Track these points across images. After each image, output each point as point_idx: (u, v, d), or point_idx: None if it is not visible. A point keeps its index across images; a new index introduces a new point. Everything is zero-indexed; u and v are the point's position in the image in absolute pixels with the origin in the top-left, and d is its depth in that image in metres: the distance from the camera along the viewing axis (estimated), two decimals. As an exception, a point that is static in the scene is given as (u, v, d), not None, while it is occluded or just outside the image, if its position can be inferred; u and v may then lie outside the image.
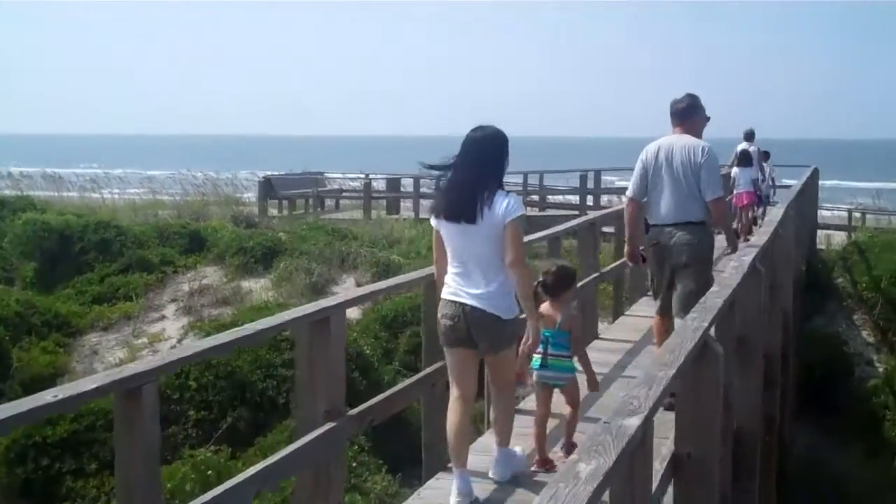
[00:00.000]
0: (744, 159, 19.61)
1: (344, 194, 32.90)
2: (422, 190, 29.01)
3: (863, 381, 14.70)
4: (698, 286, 7.54)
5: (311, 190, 30.45)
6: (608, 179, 31.39)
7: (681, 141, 7.94)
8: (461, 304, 5.85)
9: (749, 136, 21.07)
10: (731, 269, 6.71)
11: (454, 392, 6.06)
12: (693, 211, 7.88)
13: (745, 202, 19.20)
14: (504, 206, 5.74)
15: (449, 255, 5.97)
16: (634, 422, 3.27)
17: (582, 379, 6.77)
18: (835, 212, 30.60)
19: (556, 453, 6.70)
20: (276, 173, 34.85)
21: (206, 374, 11.46)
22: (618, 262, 12.73)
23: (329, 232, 21.13)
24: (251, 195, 31.99)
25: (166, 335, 16.70)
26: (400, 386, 6.68)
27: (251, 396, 11.59)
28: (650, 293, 8.92)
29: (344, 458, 6.52)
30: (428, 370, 6.59)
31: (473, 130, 5.96)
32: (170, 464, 9.54)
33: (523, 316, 6.06)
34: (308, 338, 5.59)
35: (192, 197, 31.22)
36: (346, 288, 18.21)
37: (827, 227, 26.20)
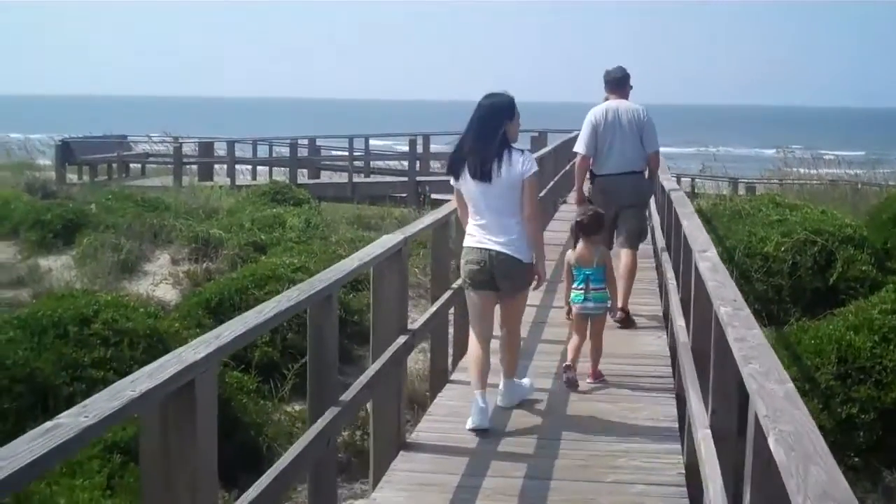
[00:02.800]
0: None
1: (151, 159, 30.60)
2: (237, 154, 27.20)
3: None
4: (639, 222, 9.75)
5: (114, 154, 28.05)
6: (437, 148, 29.97)
7: (623, 105, 9.53)
8: (487, 250, 6.58)
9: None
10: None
11: (476, 329, 6.90)
12: (637, 162, 9.50)
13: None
14: (521, 165, 6.51)
15: (471, 209, 6.67)
16: None
17: None
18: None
19: (586, 382, 7.76)
20: (75, 136, 32.15)
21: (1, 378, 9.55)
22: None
23: (138, 202, 19.10)
24: (48, 161, 29.33)
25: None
26: (287, 459, 4.56)
27: (55, 404, 9.73)
28: None
29: None
30: (321, 424, 4.79)
31: (486, 97, 6.65)
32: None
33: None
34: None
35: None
36: (161, 266, 16.38)
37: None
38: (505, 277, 6.63)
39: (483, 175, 6.48)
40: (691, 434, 5.47)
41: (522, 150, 6.73)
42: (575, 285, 7.72)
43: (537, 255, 6.76)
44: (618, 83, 9.67)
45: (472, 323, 6.99)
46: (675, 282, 8.18)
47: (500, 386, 7.09)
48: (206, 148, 30.38)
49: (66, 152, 27.49)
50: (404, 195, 26.09)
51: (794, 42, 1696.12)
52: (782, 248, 14.35)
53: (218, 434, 3.62)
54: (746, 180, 30.75)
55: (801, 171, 30.98)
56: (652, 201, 12.06)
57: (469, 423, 6.66)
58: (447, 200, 23.91)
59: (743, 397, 3.42)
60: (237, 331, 3.72)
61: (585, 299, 7.67)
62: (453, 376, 7.90)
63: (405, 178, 27.48)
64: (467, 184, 6.60)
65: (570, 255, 7.82)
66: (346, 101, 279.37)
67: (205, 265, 15.74)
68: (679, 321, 6.70)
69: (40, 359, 9.97)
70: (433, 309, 7.38)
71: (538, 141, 26.96)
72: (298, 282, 13.15)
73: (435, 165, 29.94)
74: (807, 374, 10.06)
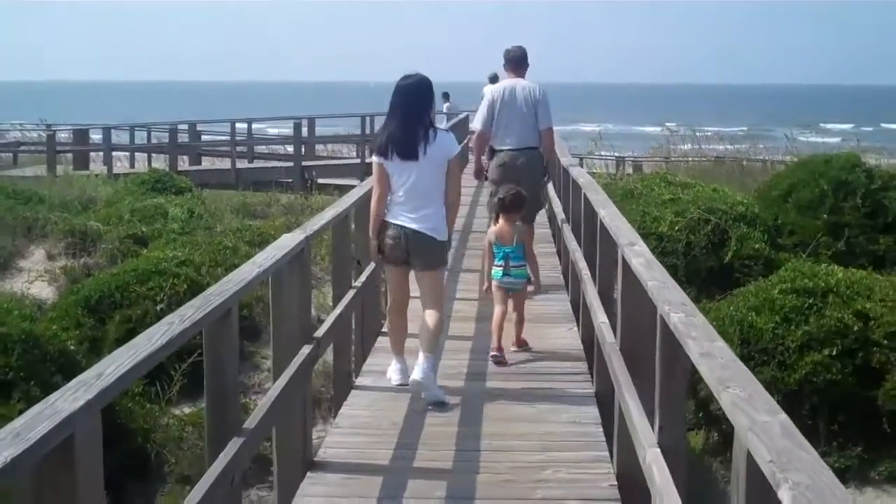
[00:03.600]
0: None
1: (22, 148, 29.18)
2: (114, 141, 26.09)
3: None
4: (536, 196, 9.89)
5: (-20, 143, 26.69)
6: (323, 131, 29.24)
7: (520, 83, 9.86)
8: (403, 227, 6.79)
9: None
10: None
11: (392, 301, 7.26)
12: (532, 138, 9.79)
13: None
14: (446, 146, 6.81)
15: (392, 186, 6.81)
16: None
17: None
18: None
19: (511, 350, 8.09)
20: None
21: None
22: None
23: (10, 194, 18.00)
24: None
25: None
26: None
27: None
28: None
29: None
30: (223, 461, 4.06)
31: (403, 79, 6.84)
32: None
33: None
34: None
35: None
36: (36, 262, 15.46)
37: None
38: (418, 254, 6.85)
39: (409, 154, 6.70)
40: (621, 441, 5.11)
41: (447, 131, 7.16)
42: (495, 262, 8.08)
43: (451, 231, 7.09)
44: (517, 62, 10.05)
45: (389, 293, 7.35)
46: (588, 272, 7.80)
47: (420, 359, 6.87)
48: (81, 135, 29.07)
49: (-73, 141, 26.11)
50: (290, 181, 25.37)
51: (674, 22, 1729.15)
52: (676, 228, 14.27)
53: (103, 441, 3.02)
54: (633, 158, 30.77)
55: (685, 147, 31.17)
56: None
57: (392, 381, 7.16)
58: (334, 185, 23.47)
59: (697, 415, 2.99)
60: (124, 366, 3.07)
61: (505, 274, 8.07)
62: (358, 381, 7.44)
63: (291, 164, 26.74)
64: (392, 163, 6.78)
65: (491, 232, 8.15)
66: (215, 84, 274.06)
67: (83, 260, 14.94)
68: (601, 318, 6.28)
69: None
70: (337, 311, 6.88)
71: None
72: (183, 276, 12.73)
73: (321, 149, 29.24)
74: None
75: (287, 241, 5.67)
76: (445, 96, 26.85)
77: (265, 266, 4.89)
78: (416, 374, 6.79)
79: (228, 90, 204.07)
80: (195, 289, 12.39)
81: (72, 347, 10.48)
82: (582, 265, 7.99)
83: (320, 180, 25.89)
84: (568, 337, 8.62)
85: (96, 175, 23.45)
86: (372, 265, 7.92)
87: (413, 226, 6.77)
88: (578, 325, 8.59)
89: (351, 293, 7.38)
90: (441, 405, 6.78)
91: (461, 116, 26.57)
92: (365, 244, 7.74)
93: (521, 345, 8.23)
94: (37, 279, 14.59)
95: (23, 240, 15.92)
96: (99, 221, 16.30)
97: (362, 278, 7.89)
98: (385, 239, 6.89)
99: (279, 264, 5.20)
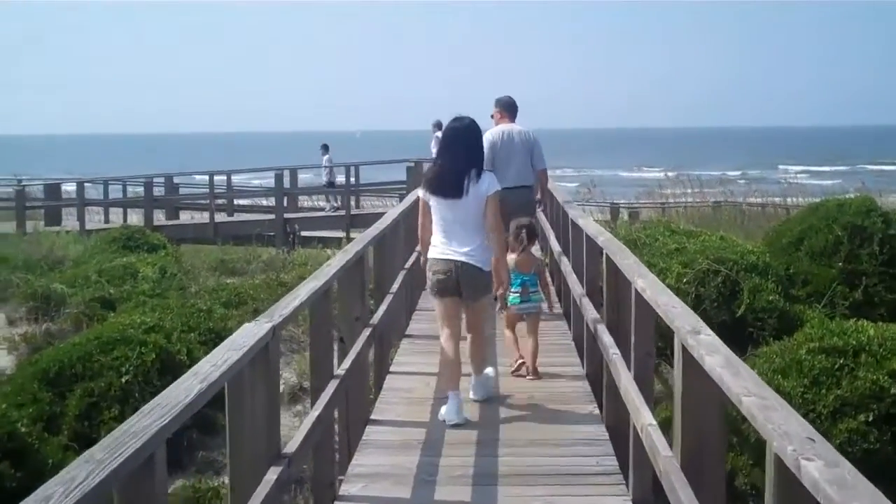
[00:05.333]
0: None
1: (-10, 204, 28.12)
2: (87, 196, 25.00)
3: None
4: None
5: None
6: (306, 178, 28.21)
7: (515, 128, 10.83)
8: (452, 260, 7.18)
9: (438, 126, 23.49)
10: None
11: (446, 332, 7.36)
12: (528, 177, 10.68)
13: None
14: (486, 184, 7.20)
15: (437, 222, 7.27)
16: None
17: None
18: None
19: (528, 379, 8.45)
20: None
21: None
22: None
23: (-31, 254, 16.93)
24: None
25: None
26: None
27: None
28: None
29: None
30: None
31: (453, 121, 7.40)
32: None
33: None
34: None
35: None
36: (-4, 327, 14.35)
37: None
38: (468, 285, 7.25)
39: (455, 193, 7.14)
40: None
41: (489, 171, 7.60)
42: (512, 289, 8.39)
43: (500, 263, 7.43)
44: (510, 108, 11.04)
45: (441, 326, 7.44)
46: (618, 354, 6.48)
47: (472, 381, 7.71)
48: (53, 190, 28.04)
49: None
50: (272, 234, 24.27)
51: (650, 67, 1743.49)
52: (684, 280, 13.32)
53: None
54: (629, 204, 29.87)
55: (675, 191, 30.40)
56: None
57: (447, 419, 7.15)
58: (319, 238, 22.38)
59: None
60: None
61: (523, 301, 8.66)
62: (343, 490, 5.93)
63: (272, 216, 25.66)
64: (438, 200, 7.23)
65: (511, 260, 8.26)
66: (199, 135, 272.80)
67: (45, 326, 13.84)
68: (646, 417, 4.97)
69: None
70: (315, 414, 5.50)
71: (415, 171, 25.50)
72: (152, 344, 11.62)
73: (304, 201, 28.20)
74: (736, 424, 8.90)
75: (247, 337, 4.29)
76: (438, 126, 26.43)
77: (211, 378, 3.58)
78: (473, 395, 7.70)
79: (208, 141, 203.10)
80: (165, 357, 11.35)
81: (23, 429, 9.35)
82: (607, 341, 6.65)
83: (304, 233, 24.89)
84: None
85: (67, 231, 22.38)
86: (359, 344, 6.80)
87: (461, 259, 7.19)
88: (601, 410, 7.40)
89: (333, 385, 6.07)
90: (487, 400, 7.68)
91: None
92: (350, 321, 6.79)
93: (535, 374, 8.52)
94: (-5, 347, 13.50)
95: (-19, 304, 14.84)
96: (65, 283, 15.23)
97: (347, 363, 6.66)
98: (435, 275, 7.28)
99: (237, 368, 3.91)
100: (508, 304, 8.67)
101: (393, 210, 10.62)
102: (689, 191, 30.19)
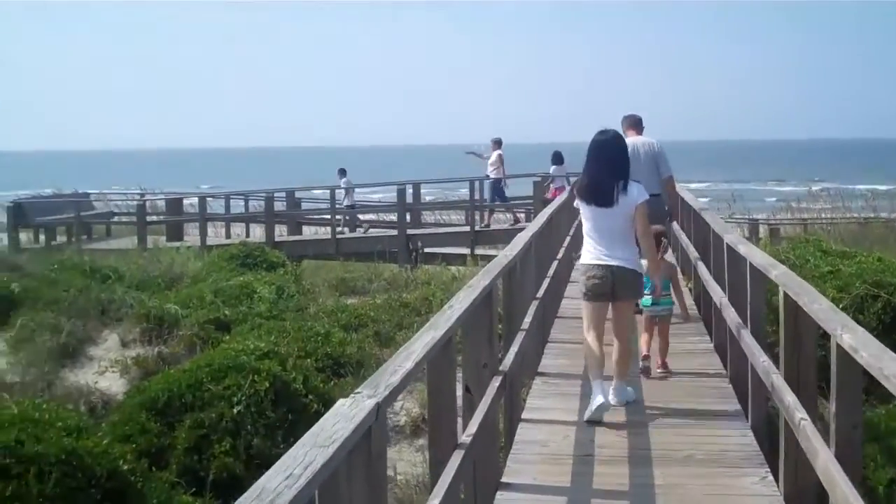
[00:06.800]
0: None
1: (116, 218, 28.02)
2: (209, 211, 24.67)
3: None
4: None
5: (72, 215, 25.43)
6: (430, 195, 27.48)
7: (639, 139, 11.29)
8: (607, 265, 7.61)
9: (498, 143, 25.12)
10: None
11: (592, 333, 7.71)
12: (655, 186, 10.69)
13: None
14: (635, 193, 7.67)
15: (590, 229, 7.77)
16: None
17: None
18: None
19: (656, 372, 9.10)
20: (25, 195, 29.59)
21: None
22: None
23: (86, 272, 16.53)
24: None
25: None
26: None
27: None
28: None
29: None
30: None
31: (599, 133, 7.89)
32: None
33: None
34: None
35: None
36: (108, 349, 13.89)
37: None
38: (622, 287, 7.62)
39: (605, 202, 7.58)
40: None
41: (636, 182, 7.81)
42: (646, 292, 8.70)
43: (653, 267, 8.21)
44: (636, 123, 11.68)
45: (587, 328, 7.75)
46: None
47: (613, 384, 7.86)
48: (175, 204, 27.81)
49: (19, 214, 25.05)
50: (395, 250, 23.53)
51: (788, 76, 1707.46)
52: (840, 306, 12.05)
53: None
54: (766, 221, 28.32)
55: (815, 205, 28.80)
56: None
57: (588, 413, 7.47)
58: (443, 255, 21.59)
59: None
60: None
61: (654, 303, 9.07)
62: None
63: (395, 232, 24.92)
64: (590, 208, 7.69)
65: (644, 265, 8.21)
66: (320, 149, 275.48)
67: (157, 349, 13.29)
68: (823, 452, 4.02)
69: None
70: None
71: (540, 186, 24.52)
72: (265, 372, 10.91)
73: (427, 217, 27.41)
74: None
75: (340, 423, 3.17)
76: (497, 143, 25.61)
77: (284, 499, 2.50)
78: (612, 398, 7.73)
79: (318, 154, 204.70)
80: (279, 386, 10.66)
81: (125, 467, 8.65)
82: (790, 401, 5.27)
83: (427, 250, 24.09)
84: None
85: (188, 247, 22.00)
86: (487, 400, 5.69)
87: (615, 263, 7.56)
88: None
89: (457, 458, 4.84)
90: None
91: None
92: (476, 368, 5.78)
93: (665, 367, 9.09)
94: (107, 370, 13.01)
95: (96, 324, 14.39)
96: (180, 302, 14.71)
97: (473, 427, 5.36)
98: (590, 280, 7.64)
99: (324, 474, 2.86)
100: (641, 307, 9.03)
101: (523, 234, 9.53)
102: (830, 206, 28.52)
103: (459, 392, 5.63)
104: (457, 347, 5.49)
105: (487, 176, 25.09)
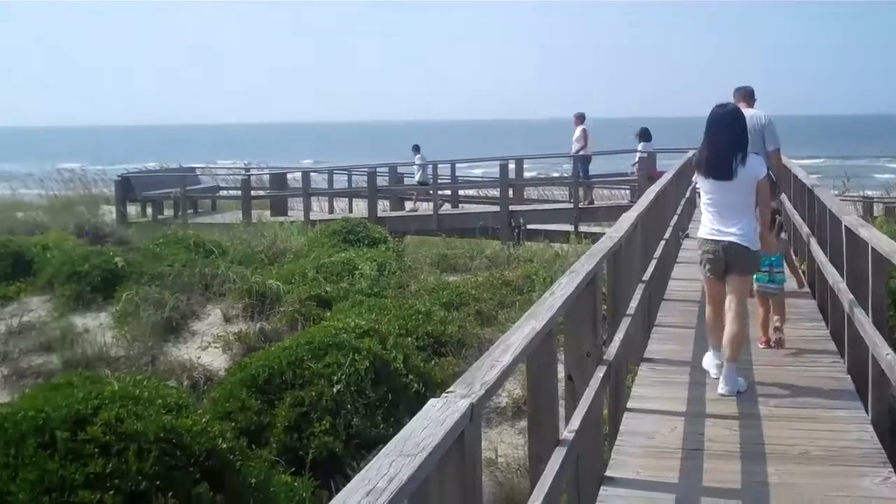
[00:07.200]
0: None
1: (221, 192, 28.25)
2: (313, 186, 24.68)
3: None
4: None
5: (178, 189, 25.71)
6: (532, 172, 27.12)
7: (748, 112, 10.23)
8: (720, 241, 7.72)
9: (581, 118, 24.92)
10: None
11: (710, 307, 8.07)
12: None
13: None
14: (756, 166, 7.80)
15: (706, 202, 7.87)
16: None
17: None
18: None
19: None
20: (134, 169, 29.96)
21: None
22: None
23: (190, 246, 16.63)
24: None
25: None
26: None
27: None
28: None
29: None
30: None
31: (718, 107, 7.95)
32: None
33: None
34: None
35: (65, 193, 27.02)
36: (211, 324, 13.96)
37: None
38: (736, 263, 7.69)
39: (723, 175, 7.64)
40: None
41: (756, 154, 8.15)
42: (762, 268, 8.77)
43: (766, 232, 8.05)
44: (748, 95, 11.44)
45: (707, 297, 8.11)
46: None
47: (724, 368, 7.75)
48: (279, 179, 27.92)
49: (127, 188, 25.41)
50: (497, 227, 23.25)
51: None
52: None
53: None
54: (881, 199, 27.28)
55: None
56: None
57: (711, 374, 7.90)
58: (546, 231, 21.17)
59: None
60: None
61: (770, 280, 9.18)
62: None
63: (497, 208, 24.64)
64: (708, 181, 7.76)
65: (759, 243, 8.24)
66: (401, 124, 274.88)
67: (259, 325, 13.28)
68: None
69: (15, 480, 7.61)
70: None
71: (646, 162, 23.91)
72: (365, 350, 10.81)
73: (530, 192, 27.00)
74: None
75: (431, 428, 2.89)
76: (580, 118, 25.00)
77: None
78: (722, 389, 7.64)
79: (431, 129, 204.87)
80: (379, 365, 10.53)
81: (224, 445, 8.60)
82: (891, 359, 5.09)
83: (529, 226, 23.76)
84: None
85: (291, 222, 22.05)
86: (591, 393, 5.40)
87: (728, 238, 7.65)
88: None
89: (559, 455, 4.56)
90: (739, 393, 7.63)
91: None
92: (579, 357, 5.49)
93: (780, 344, 9.14)
94: (209, 345, 13.06)
95: (199, 298, 14.47)
96: (282, 278, 14.70)
97: (576, 422, 5.08)
98: (704, 254, 7.80)
99: (411, 487, 2.59)
100: (755, 283, 9.02)
101: (629, 213, 9.14)
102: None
103: (561, 375, 5.37)
104: (559, 333, 5.25)
105: (578, 151, 24.71)
